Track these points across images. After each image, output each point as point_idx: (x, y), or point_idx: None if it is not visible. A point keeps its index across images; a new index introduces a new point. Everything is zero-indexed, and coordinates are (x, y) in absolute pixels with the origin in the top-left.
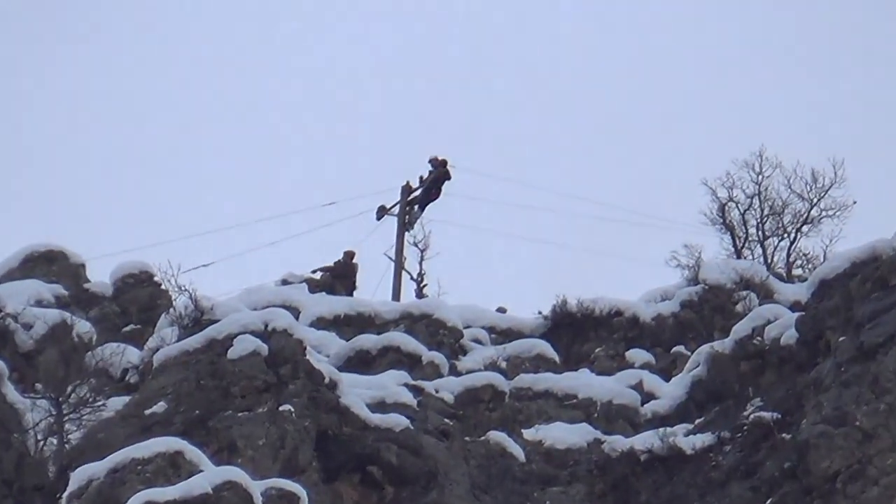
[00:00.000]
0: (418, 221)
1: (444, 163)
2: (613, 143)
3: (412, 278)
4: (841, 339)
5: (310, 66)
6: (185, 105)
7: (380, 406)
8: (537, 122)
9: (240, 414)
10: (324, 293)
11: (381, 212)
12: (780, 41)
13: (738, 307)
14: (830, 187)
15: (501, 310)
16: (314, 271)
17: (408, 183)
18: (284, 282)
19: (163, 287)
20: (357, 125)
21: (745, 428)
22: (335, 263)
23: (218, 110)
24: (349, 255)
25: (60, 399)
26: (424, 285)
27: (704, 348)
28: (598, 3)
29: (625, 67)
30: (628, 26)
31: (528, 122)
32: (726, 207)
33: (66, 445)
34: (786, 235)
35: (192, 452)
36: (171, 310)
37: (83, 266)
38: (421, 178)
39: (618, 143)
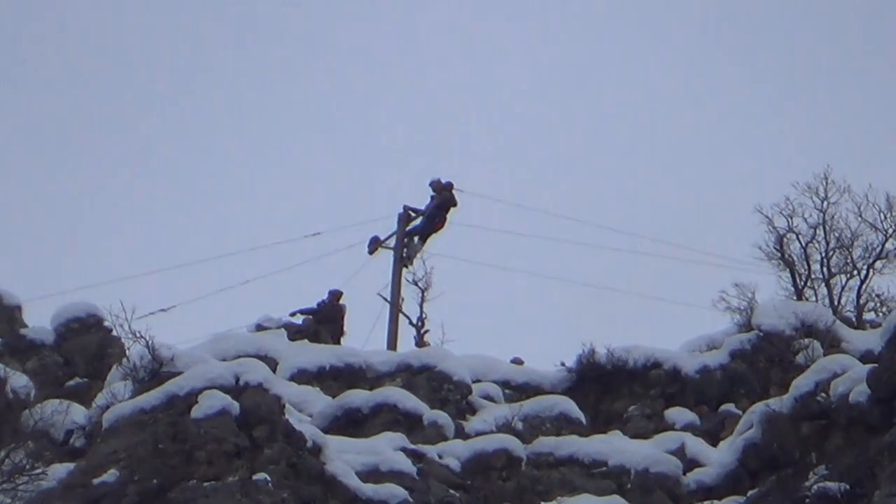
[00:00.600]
0: (419, 255)
1: (450, 187)
2: (652, 168)
3: (411, 323)
4: None
5: (291, 74)
6: (144, 124)
7: (373, 475)
8: (561, 142)
9: (206, 484)
10: (306, 341)
11: (375, 244)
12: (846, 50)
13: (799, 358)
14: None
15: (517, 361)
16: (294, 314)
17: (406, 210)
18: (259, 327)
19: (114, 333)
20: (348, 144)
21: (808, 501)
22: (319, 305)
23: (182, 126)
24: (336, 296)
25: None
26: (426, 332)
27: (759, 407)
28: (643, 20)
29: (669, 84)
30: (673, 42)
31: (550, 143)
32: (785, 239)
33: None
34: (855, 273)
35: None
36: (125, 360)
37: (19, 308)
38: (419, 211)
39: (657, 168)
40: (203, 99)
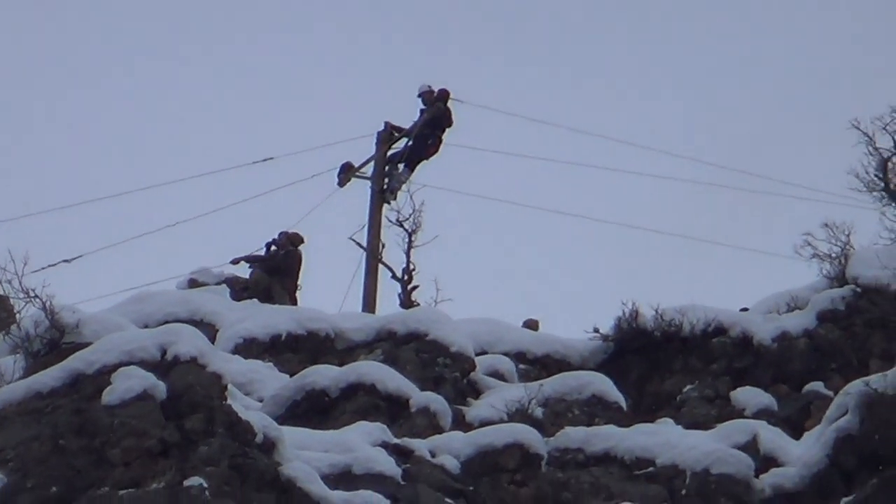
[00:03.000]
0: (404, 188)
1: (444, 96)
2: (713, 74)
3: (394, 277)
4: None
5: None
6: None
7: (344, 479)
8: (596, 39)
9: (122, 492)
10: (255, 301)
11: (346, 172)
12: None
13: None
14: None
15: (531, 325)
16: (236, 262)
17: (388, 128)
18: (192, 283)
19: (0, 292)
20: (309, 43)
21: None
22: (269, 251)
23: (95, 27)
24: (292, 241)
25: None
26: (414, 288)
27: (856, 386)
28: None
29: None
30: None
31: (581, 39)
32: (890, 164)
33: None
34: None
35: None
36: (14, 328)
37: None
38: (404, 130)
39: (719, 74)
40: None
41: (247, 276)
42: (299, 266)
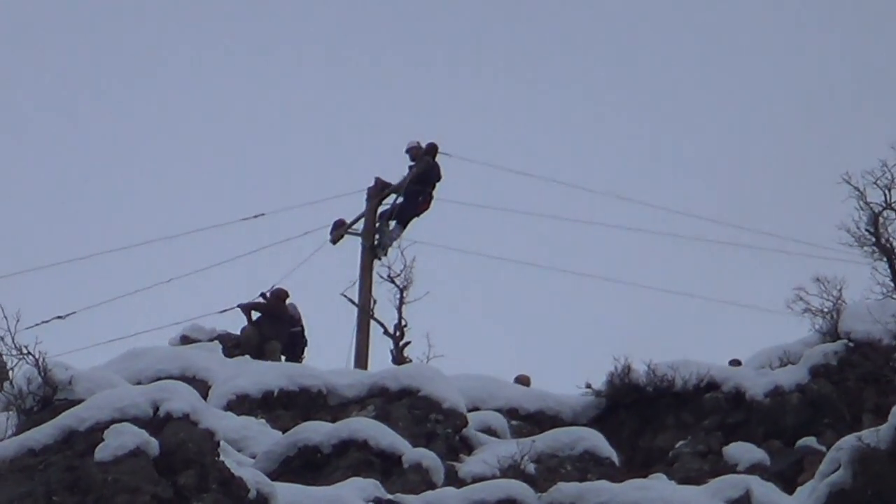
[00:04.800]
0: (395, 244)
1: (432, 151)
2: (704, 129)
3: (386, 333)
4: None
5: (235, 33)
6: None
7: None
8: (586, 95)
9: None
10: (247, 357)
11: (339, 229)
12: None
13: None
14: None
15: (523, 380)
16: (243, 307)
17: (378, 182)
18: (185, 339)
19: None
20: (301, 104)
21: None
22: (261, 303)
23: (86, 85)
24: (279, 296)
25: None
26: (406, 344)
27: (849, 441)
28: None
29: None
30: None
31: (569, 95)
32: (881, 219)
33: None
34: None
35: None
36: (6, 385)
37: None
38: (393, 187)
39: (711, 129)
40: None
41: (238, 333)
42: (295, 320)
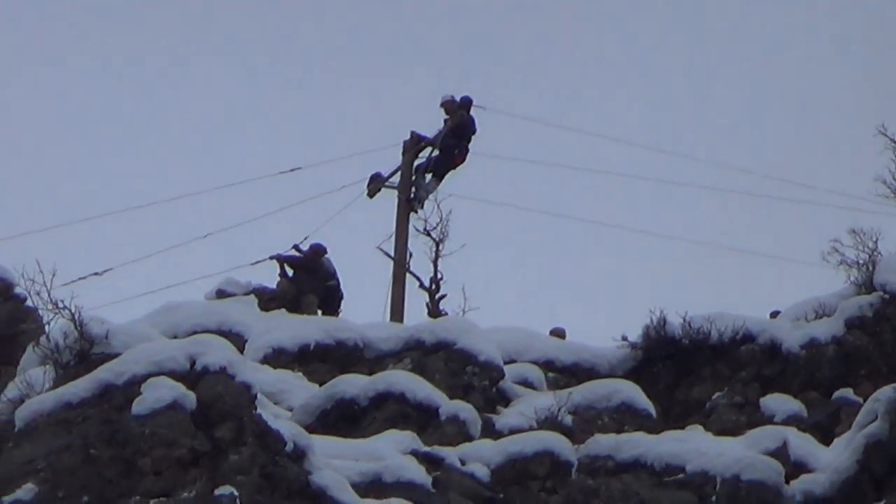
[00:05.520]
0: (431, 197)
1: (467, 104)
2: (741, 84)
3: (422, 286)
4: None
5: None
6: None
7: (374, 488)
8: (622, 48)
9: (153, 501)
10: (283, 311)
11: (375, 183)
12: None
13: None
14: None
15: (558, 333)
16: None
17: (413, 136)
18: (221, 293)
19: (29, 304)
20: (337, 56)
21: None
22: (298, 257)
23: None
24: (316, 252)
25: None
26: (442, 297)
27: (885, 393)
28: None
29: None
30: None
31: (606, 46)
32: None
33: None
34: None
35: None
36: (43, 339)
37: None
38: (428, 139)
39: (748, 84)
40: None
41: (274, 287)
42: (330, 275)
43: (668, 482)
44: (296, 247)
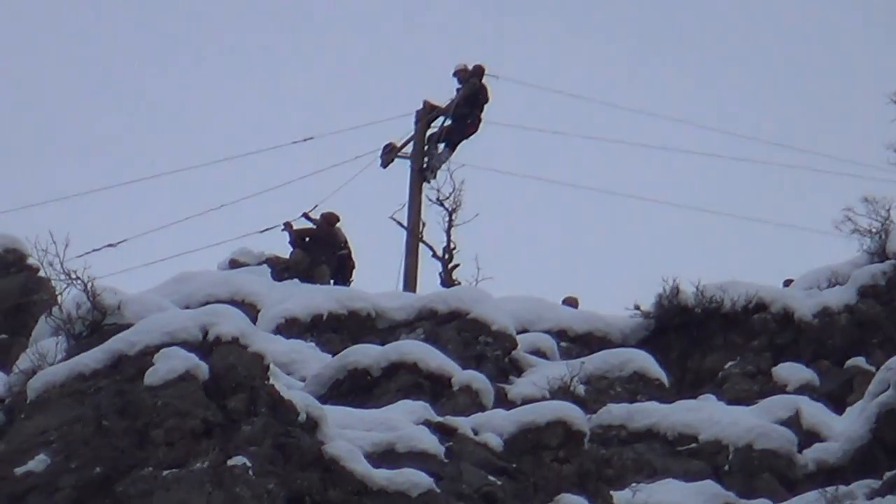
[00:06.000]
0: (444, 167)
1: (479, 72)
2: (754, 50)
3: (435, 255)
4: None
5: None
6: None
7: (387, 457)
8: (635, 16)
9: (166, 472)
10: (296, 281)
11: (389, 153)
12: None
13: None
14: None
15: (571, 302)
16: (288, 226)
17: (426, 105)
18: (233, 263)
19: (42, 274)
20: (350, 23)
21: None
22: (311, 227)
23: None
24: (328, 220)
25: None
26: (455, 266)
27: None
28: None
29: None
30: None
31: (619, 15)
32: None
33: None
34: None
35: None
36: (56, 309)
37: None
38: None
39: (760, 51)
40: None
41: (287, 257)
42: (338, 247)
43: (680, 451)
44: (305, 215)
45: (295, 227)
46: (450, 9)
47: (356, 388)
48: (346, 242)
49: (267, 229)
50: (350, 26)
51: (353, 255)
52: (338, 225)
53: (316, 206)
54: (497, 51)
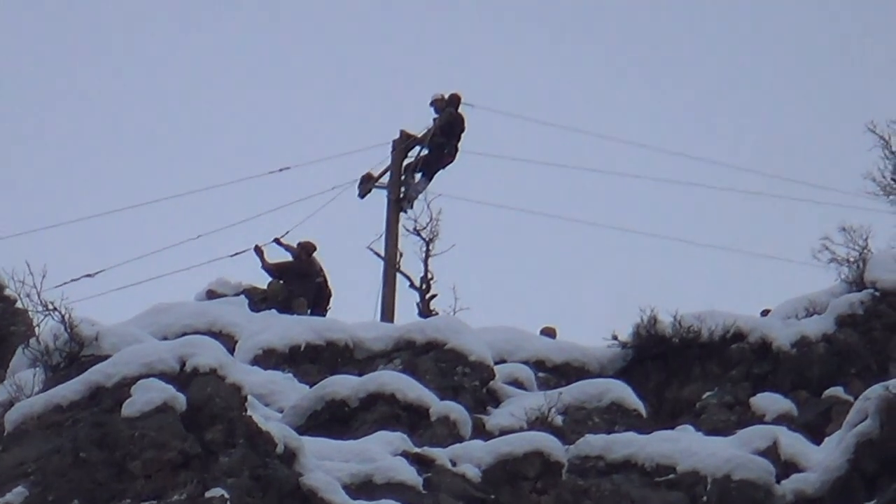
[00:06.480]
0: (421, 197)
1: (456, 101)
2: (729, 78)
3: (412, 286)
4: None
5: None
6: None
7: (365, 488)
8: (610, 45)
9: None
10: (273, 311)
11: (367, 183)
12: None
13: None
14: None
15: (549, 332)
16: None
17: (403, 135)
18: (211, 294)
19: (19, 305)
20: (327, 54)
21: None
22: (288, 261)
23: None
24: (306, 250)
25: None
26: (432, 297)
27: (876, 390)
28: None
29: None
30: None
31: (594, 44)
32: None
33: None
34: None
35: None
36: (33, 341)
37: None
38: (418, 139)
39: (734, 79)
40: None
41: (264, 287)
42: (315, 276)
43: (658, 482)
44: (277, 240)
45: (272, 262)
46: (426, 38)
47: (334, 419)
48: (320, 269)
49: (237, 253)
50: (325, 56)
51: (329, 283)
52: (314, 254)
53: (287, 232)
54: (473, 80)
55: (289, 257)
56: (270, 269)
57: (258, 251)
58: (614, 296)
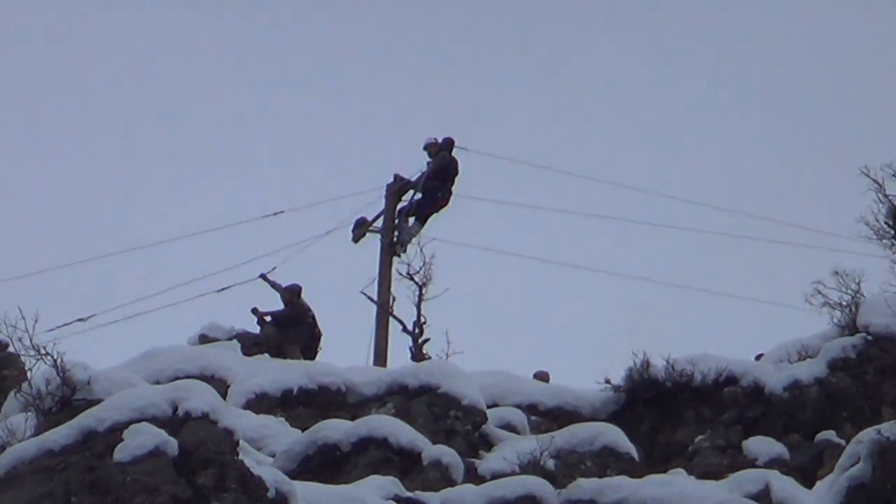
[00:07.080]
0: (414, 241)
1: (449, 145)
2: (721, 123)
3: (405, 330)
4: None
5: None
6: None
7: None
8: (601, 88)
9: None
10: (266, 356)
11: (361, 227)
12: None
13: None
14: None
15: (542, 377)
16: (256, 312)
17: (397, 178)
18: (203, 338)
19: (11, 350)
20: (320, 99)
21: None
22: (278, 311)
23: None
24: (295, 293)
25: None
26: (425, 341)
27: (868, 434)
28: None
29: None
30: None
31: (586, 87)
32: None
33: None
34: None
35: None
36: (26, 385)
37: None
38: (411, 182)
39: (728, 123)
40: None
41: (257, 332)
42: (303, 320)
43: None
44: (263, 276)
45: (261, 311)
46: (419, 82)
47: (326, 464)
48: (309, 310)
49: (224, 288)
50: (319, 100)
51: (318, 324)
52: (301, 295)
53: (274, 268)
54: (467, 124)
55: (274, 293)
56: (263, 325)
57: (256, 313)
58: (607, 340)
